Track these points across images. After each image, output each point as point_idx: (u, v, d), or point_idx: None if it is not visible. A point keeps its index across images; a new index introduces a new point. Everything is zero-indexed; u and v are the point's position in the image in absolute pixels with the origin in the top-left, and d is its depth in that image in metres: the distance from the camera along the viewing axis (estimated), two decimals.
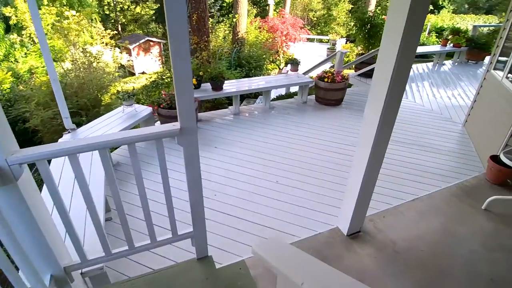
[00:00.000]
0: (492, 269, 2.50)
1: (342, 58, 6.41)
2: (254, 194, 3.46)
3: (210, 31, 12.14)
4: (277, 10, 19.14)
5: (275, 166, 4.01)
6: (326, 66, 7.93)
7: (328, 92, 5.89)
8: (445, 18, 20.50)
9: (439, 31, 16.60)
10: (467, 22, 20.81)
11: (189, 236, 1.87)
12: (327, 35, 22.37)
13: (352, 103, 6.18)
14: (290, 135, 4.87)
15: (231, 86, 5.63)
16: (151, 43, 17.29)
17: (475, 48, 9.23)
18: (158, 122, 4.90)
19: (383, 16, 7.66)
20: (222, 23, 12.02)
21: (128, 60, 16.42)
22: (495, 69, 4.44)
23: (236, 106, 5.63)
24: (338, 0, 24.67)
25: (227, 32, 11.80)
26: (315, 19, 25.30)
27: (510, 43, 4.27)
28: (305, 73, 6.72)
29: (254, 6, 23.73)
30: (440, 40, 12.83)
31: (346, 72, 6.29)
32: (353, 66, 7.89)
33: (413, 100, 6.46)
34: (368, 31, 7.65)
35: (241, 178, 3.76)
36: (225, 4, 21.36)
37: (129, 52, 16.51)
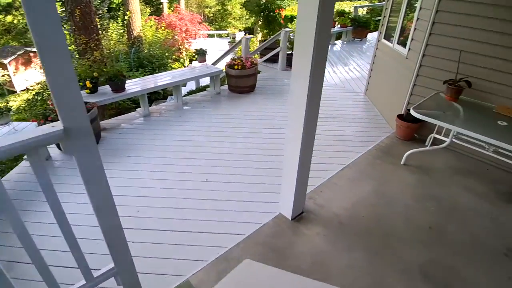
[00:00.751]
0: (427, 218, 2.68)
1: (248, 44, 6.32)
2: (184, 200, 3.04)
3: (100, 29, 10.79)
4: (172, 8, 18.25)
5: (201, 164, 3.64)
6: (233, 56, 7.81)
7: (240, 80, 5.73)
8: None
9: None
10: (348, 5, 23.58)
11: (111, 275, 1.40)
12: (225, 29, 22.50)
13: (265, 88, 6.17)
14: (210, 129, 4.54)
15: (135, 85, 4.96)
16: (31, 54, 14.61)
17: (358, 26, 10.33)
18: None
19: (278, 1, 7.87)
20: (113, 22, 10.79)
21: (3, 75, 13.60)
22: (384, 39, 4.92)
23: (144, 107, 5.00)
24: None
25: (121, 31, 10.64)
26: (211, 15, 25.13)
27: (392, 17, 4.78)
28: (214, 64, 6.43)
29: (147, 6, 22.19)
30: None
31: (254, 57, 6.23)
32: (258, 53, 7.94)
33: None
34: (266, 17, 7.75)
35: (165, 184, 3.28)
36: (114, 5, 19.40)
37: (4, 67, 13.65)
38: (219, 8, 25.37)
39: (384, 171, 3.39)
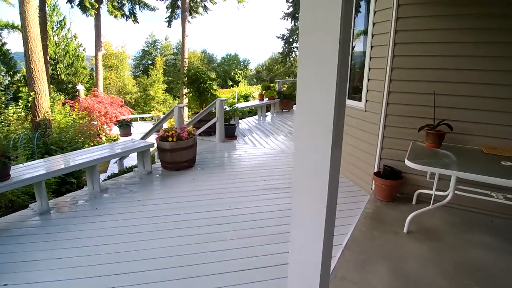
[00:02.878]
0: None
1: (181, 113, 5.53)
2: None
3: None
4: (88, 94, 17.05)
5: (127, 279, 2.31)
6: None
7: (176, 153, 4.72)
8: (242, 89, 24.25)
9: (245, 97, 19.02)
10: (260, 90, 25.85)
11: None
12: (149, 113, 21.83)
13: (206, 162, 5.25)
14: (140, 221, 3.27)
15: (31, 169, 3.52)
16: None
17: (284, 98, 10.74)
18: None
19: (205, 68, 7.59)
20: (13, 104, 9.08)
21: None
22: None
23: (42, 200, 3.51)
24: (153, 81, 25.13)
25: (23, 114, 8.92)
26: (133, 101, 24.48)
27: None
28: (142, 139, 5.35)
29: (61, 93, 20.48)
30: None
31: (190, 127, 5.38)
32: (191, 126, 7.20)
33: (264, 146, 6.24)
34: (197, 88, 7.28)
35: None
36: (12, 86, 17.27)
37: None
38: (141, 94, 25.02)
39: (389, 244, 2.58)
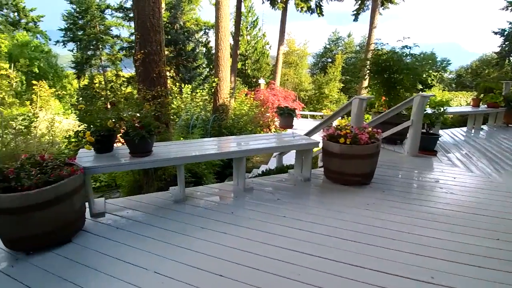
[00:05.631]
0: None
1: (362, 108, 4.03)
2: None
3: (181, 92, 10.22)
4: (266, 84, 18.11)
5: None
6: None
7: (347, 161, 3.31)
8: (437, 95, 19.59)
9: (440, 105, 15.05)
10: (460, 98, 20.25)
11: None
12: (320, 111, 21.24)
13: (387, 181, 3.55)
14: (272, 253, 2.09)
15: (170, 149, 3.05)
16: None
17: None
18: None
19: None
20: (199, 89, 10.29)
21: None
22: None
23: (180, 186, 2.95)
24: (330, 79, 24.40)
25: (206, 97, 9.91)
26: (306, 98, 24.64)
27: None
28: (307, 135, 4.27)
29: (245, 85, 23.15)
30: None
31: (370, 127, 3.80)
32: (371, 128, 5.54)
33: (488, 176, 3.87)
34: (387, 79, 5.51)
35: None
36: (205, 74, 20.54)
37: None
38: (315, 91, 24.84)
39: None
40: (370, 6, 17.35)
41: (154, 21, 4.80)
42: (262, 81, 16.99)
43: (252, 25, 24.03)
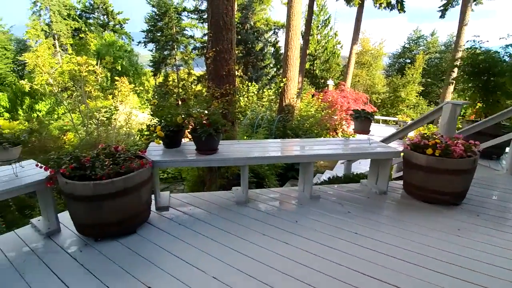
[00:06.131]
0: None
1: (456, 115, 3.41)
2: None
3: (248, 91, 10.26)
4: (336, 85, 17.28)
5: None
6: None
7: (434, 176, 2.81)
8: None
9: None
10: None
11: None
12: (394, 116, 19.54)
13: (481, 202, 2.95)
14: (351, 263, 1.82)
15: (235, 148, 2.97)
16: None
17: None
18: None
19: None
20: (266, 89, 10.24)
21: None
22: None
23: (243, 187, 2.85)
24: (407, 81, 22.29)
25: (273, 97, 9.82)
26: (379, 101, 22.92)
27: None
28: (384, 142, 3.83)
29: (313, 86, 22.60)
30: None
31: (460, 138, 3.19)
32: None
33: None
34: (485, 83, 4.66)
35: None
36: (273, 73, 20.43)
37: None
38: (390, 94, 22.94)
39: None
40: (460, 1, 15.27)
41: (227, 19, 4.83)
42: (330, 82, 16.32)
43: (323, 24, 23.29)
